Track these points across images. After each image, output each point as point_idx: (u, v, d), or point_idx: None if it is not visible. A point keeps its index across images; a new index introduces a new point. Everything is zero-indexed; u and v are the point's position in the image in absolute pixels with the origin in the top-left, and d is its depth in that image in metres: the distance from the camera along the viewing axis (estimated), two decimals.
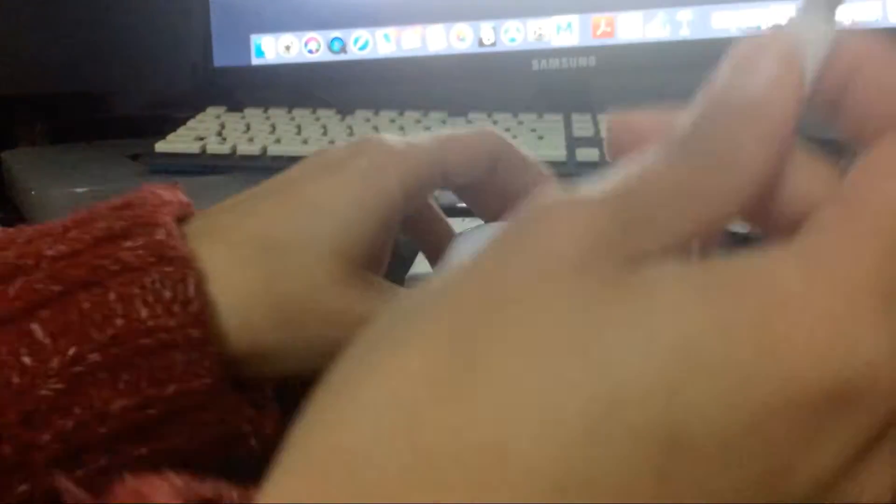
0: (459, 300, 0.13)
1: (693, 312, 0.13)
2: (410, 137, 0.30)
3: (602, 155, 0.67)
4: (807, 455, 0.13)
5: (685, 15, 0.73)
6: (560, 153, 0.66)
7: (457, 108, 0.75)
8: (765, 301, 0.13)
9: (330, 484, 0.12)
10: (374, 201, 0.27)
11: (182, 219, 0.27)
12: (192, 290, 0.24)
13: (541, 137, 0.70)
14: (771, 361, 0.12)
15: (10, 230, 0.27)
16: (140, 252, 0.24)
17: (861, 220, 0.14)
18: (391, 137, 0.30)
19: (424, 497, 0.11)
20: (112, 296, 0.24)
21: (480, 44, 0.75)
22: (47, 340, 0.23)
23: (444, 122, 0.72)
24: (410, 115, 0.73)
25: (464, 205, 0.65)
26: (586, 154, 0.66)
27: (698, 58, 0.74)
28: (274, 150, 0.66)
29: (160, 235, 0.25)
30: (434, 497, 0.11)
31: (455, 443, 0.12)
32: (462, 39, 0.75)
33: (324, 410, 0.13)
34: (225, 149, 0.66)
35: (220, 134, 0.69)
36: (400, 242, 0.63)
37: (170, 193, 0.28)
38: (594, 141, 0.70)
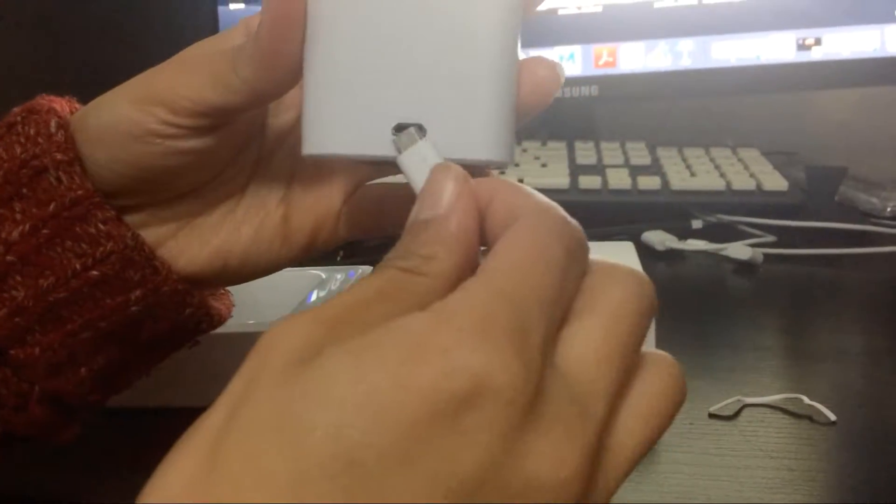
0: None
1: (344, 376, 0.18)
2: None
3: (604, 182, 0.68)
4: (460, 448, 0.17)
5: (686, 45, 0.74)
6: (563, 180, 0.67)
7: None
8: (398, 345, 0.18)
9: None
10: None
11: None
12: (53, 126, 0.30)
13: (544, 165, 0.71)
14: (406, 386, 0.17)
15: None
16: (19, 112, 0.31)
17: (478, 280, 0.20)
18: None
19: None
20: (0, 150, 0.31)
21: None
22: None
23: None
24: None
25: None
26: (589, 181, 0.67)
27: (699, 87, 0.75)
28: None
29: (38, 101, 0.32)
30: None
31: None
32: None
33: None
34: None
35: None
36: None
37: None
38: (597, 168, 0.71)
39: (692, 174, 0.69)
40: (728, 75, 0.74)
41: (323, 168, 0.33)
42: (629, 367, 0.21)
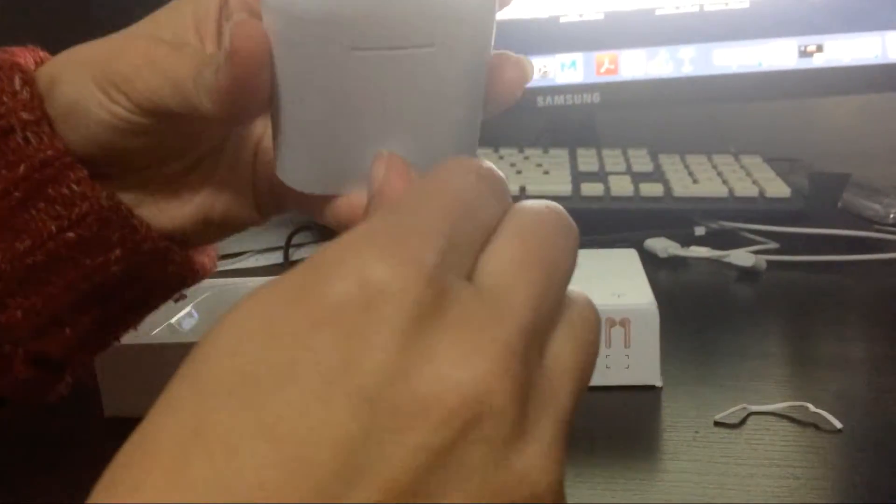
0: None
1: (245, 305, 0.18)
2: None
3: (606, 189, 0.67)
4: (354, 351, 0.17)
5: (687, 52, 0.74)
6: (566, 188, 0.67)
7: None
8: (297, 271, 0.18)
9: None
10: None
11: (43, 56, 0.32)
12: (17, 83, 0.29)
13: (546, 172, 0.71)
14: (296, 300, 0.18)
15: None
16: None
17: (383, 209, 0.20)
18: None
19: None
20: None
21: None
22: None
23: None
24: None
25: None
26: (591, 188, 0.67)
27: (700, 94, 0.75)
28: None
29: (1, 55, 0.30)
30: None
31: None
32: None
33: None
34: None
35: None
36: None
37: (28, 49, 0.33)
38: (599, 175, 0.70)
39: (695, 181, 0.69)
40: (730, 82, 0.74)
41: None
42: (552, 283, 0.20)
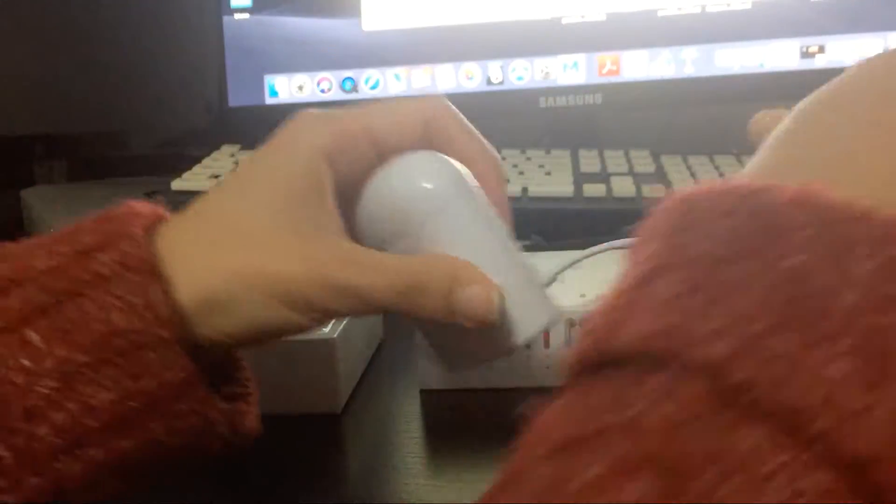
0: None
1: None
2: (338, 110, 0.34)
3: (608, 190, 0.68)
4: None
5: (690, 53, 0.74)
6: (568, 189, 0.67)
7: None
8: None
9: None
10: (299, 189, 0.32)
11: (153, 227, 0.31)
12: (157, 295, 0.28)
13: (548, 173, 0.71)
14: None
15: (6, 244, 0.31)
16: (110, 263, 0.29)
17: None
18: (317, 111, 0.34)
19: None
20: (91, 304, 0.28)
21: (489, 82, 0.77)
22: (42, 345, 0.27)
23: None
24: None
25: None
26: (594, 189, 0.67)
27: (703, 95, 0.75)
28: None
29: (127, 247, 0.29)
30: None
31: None
32: (471, 78, 0.77)
33: None
34: None
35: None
36: None
37: (143, 206, 0.32)
38: (601, 176, 0.71)
39: (697, 182, 0.69)
40: (732, 83, 0.74)
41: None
42: None
